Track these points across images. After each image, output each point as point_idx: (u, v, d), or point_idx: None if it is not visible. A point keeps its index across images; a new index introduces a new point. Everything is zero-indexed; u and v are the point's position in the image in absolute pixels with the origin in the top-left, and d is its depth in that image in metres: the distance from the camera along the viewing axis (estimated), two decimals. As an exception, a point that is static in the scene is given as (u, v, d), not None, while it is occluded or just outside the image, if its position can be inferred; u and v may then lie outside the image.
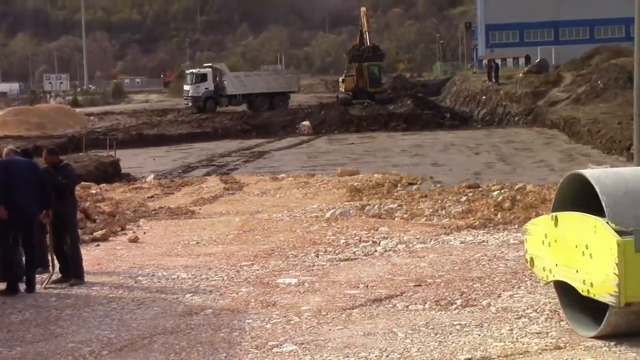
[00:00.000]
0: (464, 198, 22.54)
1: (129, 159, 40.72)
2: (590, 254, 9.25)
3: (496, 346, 9.60)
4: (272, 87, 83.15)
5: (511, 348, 9.50)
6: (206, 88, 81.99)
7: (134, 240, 18.26)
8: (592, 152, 37.72)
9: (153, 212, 22.68)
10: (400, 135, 54.10)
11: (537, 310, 10.98)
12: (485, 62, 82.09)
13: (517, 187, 23.50)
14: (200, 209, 23.62)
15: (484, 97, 64.38)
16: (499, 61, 76.31)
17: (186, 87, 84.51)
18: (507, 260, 14.13)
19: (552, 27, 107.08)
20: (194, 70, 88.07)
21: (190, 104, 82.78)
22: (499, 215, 19.38)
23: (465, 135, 52.01)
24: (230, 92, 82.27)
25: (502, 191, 22.55)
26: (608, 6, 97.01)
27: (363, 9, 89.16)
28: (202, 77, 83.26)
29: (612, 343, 9.37)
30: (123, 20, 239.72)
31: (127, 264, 15.61)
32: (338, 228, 18.48)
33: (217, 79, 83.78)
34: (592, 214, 9.39)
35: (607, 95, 48.15)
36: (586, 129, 41.39)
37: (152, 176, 32.80)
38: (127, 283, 14.08)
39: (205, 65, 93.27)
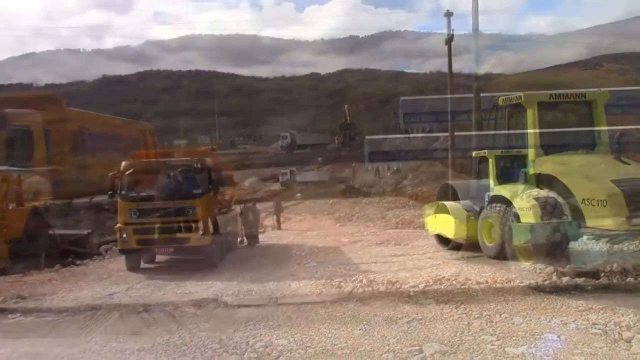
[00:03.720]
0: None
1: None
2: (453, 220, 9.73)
3: (411, 260, 10.01)
4: None
5: (421, 261, 9.75)
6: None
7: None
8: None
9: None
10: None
11: (429, 245, 11.46)
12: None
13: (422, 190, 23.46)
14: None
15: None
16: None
17: None
18: (416, 224, 14.45)
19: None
20: None
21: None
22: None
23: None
24: None
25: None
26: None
27: None
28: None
29: (452, 254, 9.83)
30: None
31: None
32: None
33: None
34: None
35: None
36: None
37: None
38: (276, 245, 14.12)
39: None
